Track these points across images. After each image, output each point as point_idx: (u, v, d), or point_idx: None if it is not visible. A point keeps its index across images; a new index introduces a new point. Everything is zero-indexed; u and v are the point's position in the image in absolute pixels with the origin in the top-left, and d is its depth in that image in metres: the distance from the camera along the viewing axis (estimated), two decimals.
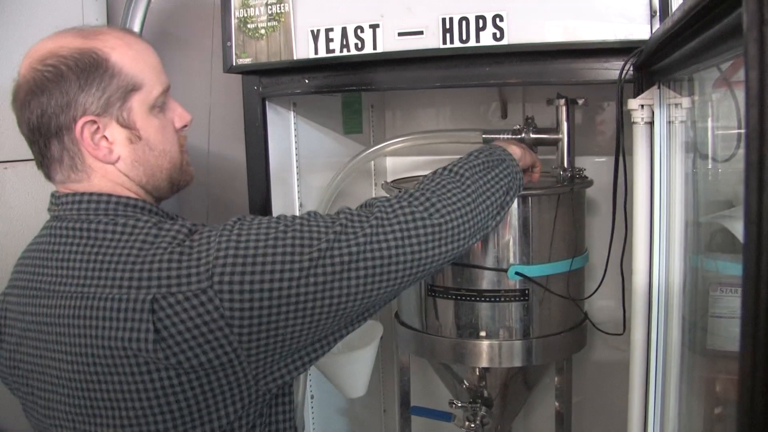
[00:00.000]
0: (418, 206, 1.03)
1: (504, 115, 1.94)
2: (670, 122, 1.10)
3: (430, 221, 1.02)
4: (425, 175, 1.14)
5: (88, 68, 0.94)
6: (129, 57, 0.98)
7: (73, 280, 0.94)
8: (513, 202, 1.21)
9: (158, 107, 1.02)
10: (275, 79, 1.56)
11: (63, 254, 0.96)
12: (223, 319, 0.88)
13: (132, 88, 0.98)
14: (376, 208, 1.02)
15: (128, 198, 0.99)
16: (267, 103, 1.60)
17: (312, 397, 1.86)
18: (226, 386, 0.92)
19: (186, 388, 0.90)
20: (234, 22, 1.50)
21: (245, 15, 1.48)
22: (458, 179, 1.11)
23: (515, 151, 1.26)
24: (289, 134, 1.72)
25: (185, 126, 1.08)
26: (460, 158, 1.17)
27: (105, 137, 0.97)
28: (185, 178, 1.09)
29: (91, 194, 0.98)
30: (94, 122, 0.96)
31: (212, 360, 0.89)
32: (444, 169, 1.14)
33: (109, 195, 0.98)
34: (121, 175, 1.00)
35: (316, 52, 1.43)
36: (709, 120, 1.15)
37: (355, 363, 1.67)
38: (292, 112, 1.72)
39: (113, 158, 0.98)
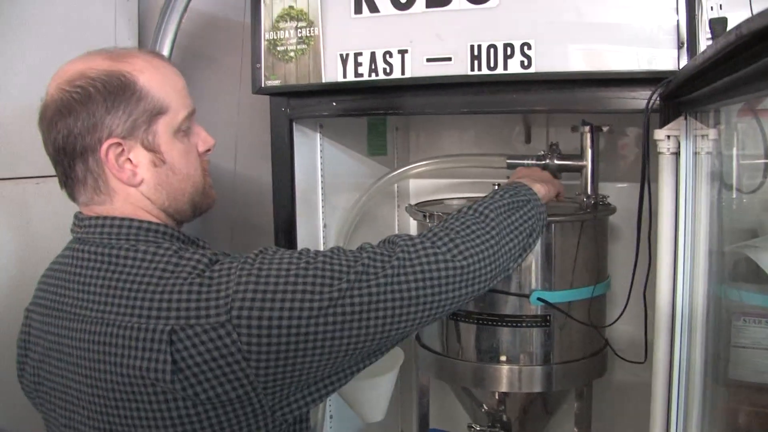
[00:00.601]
0: (441, 247, 1.03)
1: (527, 140, 1.95)
2: (696, 153, 1.10)
3: (452, 263, 1.02)
4: (450, 214, 1.14)
5: (116, 91, 0.95)
6: (156, 80, 0.99)
7: (94, 305, 0.94)
8: (536, 244, 1.21)
9: (183, 131, 1.03)
10: (303, 101, 1.57)
11: (84, 278, 0.97)
12: (240, 353, 0.88)
13: (158, 112, 0.98)
14: (399, 247, 1.01)
15: (150, 223, 0.99)
16: (294, 124, 1.61)
17: (331, 417, 1.86)
18: (242, 417, 0.92)
19: (203, 418, 0.91)
20: (264, 44, 1.52)
21: (275, 37, 1.50)
22: (483, 219, 1.10)
23: (539, 189, 1.26)
24: (315, 155, 1.73)
25: (208, 150, 1.09)
26: (485, 197, 1.17)
27: (129, 160, 0.98)
28: (207, 201, 1.10)
29: (113, 218, 0.98)
30: (119, 144, 0.96)
31: (229, 392, 0.90)
32: (469, 208, 1.13)
33: (131, 219, 0.98)
34: (144, 198, 1.00)
35: (344, 76, 1.45)
36: (734, 149, 1.15)
37: (374, 389, 1.67)
38: (318, 134, 1.73)
39: (137, 181, 0.99)
